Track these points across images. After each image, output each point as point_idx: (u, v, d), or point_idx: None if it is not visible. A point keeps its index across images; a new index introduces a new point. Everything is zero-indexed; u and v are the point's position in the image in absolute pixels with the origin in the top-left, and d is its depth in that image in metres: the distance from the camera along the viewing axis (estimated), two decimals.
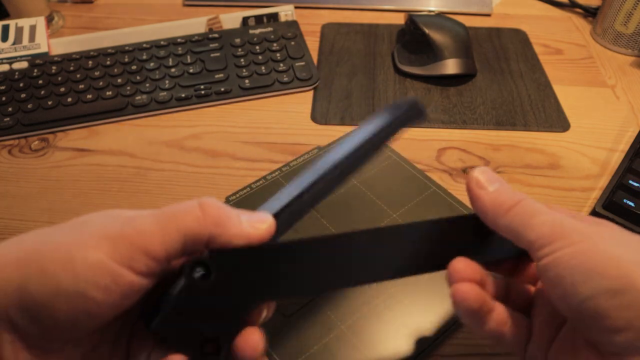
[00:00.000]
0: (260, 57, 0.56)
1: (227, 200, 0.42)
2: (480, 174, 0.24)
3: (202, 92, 0.52)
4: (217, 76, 0.54)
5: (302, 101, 0.53)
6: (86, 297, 0.19)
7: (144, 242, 0.19)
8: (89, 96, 0.51)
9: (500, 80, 0.55)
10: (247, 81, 0.53)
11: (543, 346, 0.24)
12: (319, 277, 0.23)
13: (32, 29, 0.59)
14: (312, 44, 0.60)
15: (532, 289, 0.27)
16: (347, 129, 0.49)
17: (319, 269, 0.23)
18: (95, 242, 0.19)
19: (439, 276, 0.37)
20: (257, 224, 0.22)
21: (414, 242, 0.25)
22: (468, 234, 0.25)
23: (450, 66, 0.53)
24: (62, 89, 0.52)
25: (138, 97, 0.51)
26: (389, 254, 0.24)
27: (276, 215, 0.22)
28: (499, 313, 0.24)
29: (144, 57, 0.55)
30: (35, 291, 0.19)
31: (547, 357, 0.23)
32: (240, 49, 0.57)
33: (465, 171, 0.45)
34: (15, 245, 0.20)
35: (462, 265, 0.24)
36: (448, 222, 0.25)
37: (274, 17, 0.62)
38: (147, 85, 0.53)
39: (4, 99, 0.51)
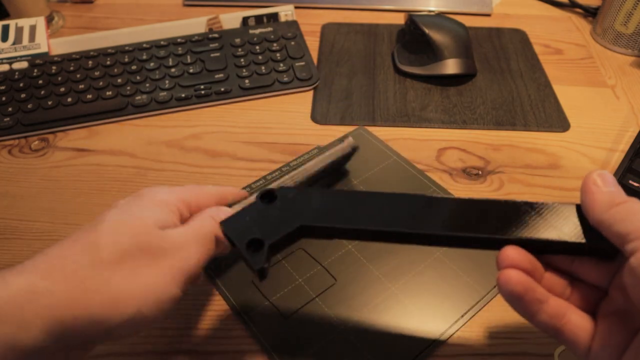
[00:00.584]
0: (260, 57, 0.56)
1: None
2: (598, 177, 0.24)
3: (202, 92, 0.52)
4: (217, 76, 0.54)
5: (302, 101, 0.53)
6: (148, 318, 0.24)
7: (193, 271, 0.26)
8: (89, 96, 0.51)
9: (500, 80, 0.55)
10: (247, 81, 0.53)
11: (613, 351, 0.23)
12: (369, 218, 0.25)
13: (32, 29, 0.59)
14: (312, 44, 0.60)
15: (597, 292, 0.26)
16: (347, 128, 0.49)
17: (371, 213, 0.26)
18: (170, 279, 0.24)
19: (439, 276, 0.37)
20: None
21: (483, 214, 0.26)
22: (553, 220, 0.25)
23: (450, 66, 0.53)
24: (62, 89, 0.52)
25: (138, 97, 0.51)
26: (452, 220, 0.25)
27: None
28: (554, 306, 0.24)
29: (144, 57, 0.55)
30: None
31: None
32: (240, 49, 0.57)
33: (465, 171, 0.45)
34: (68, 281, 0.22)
35: (512, 251, 0.24)
36: (515, 204, 0.26)
37: (274, 17, 0.62)
38: (147, 85, 0.53)
39: (4, 99, 0.51)
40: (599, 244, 0.24)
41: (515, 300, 0.24)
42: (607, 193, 0.23)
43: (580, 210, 0.25)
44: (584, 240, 0.24)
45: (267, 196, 0.27)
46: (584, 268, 0.26)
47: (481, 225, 0.25)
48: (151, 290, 0.23)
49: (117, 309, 0.22)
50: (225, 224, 0.27)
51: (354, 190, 0.26)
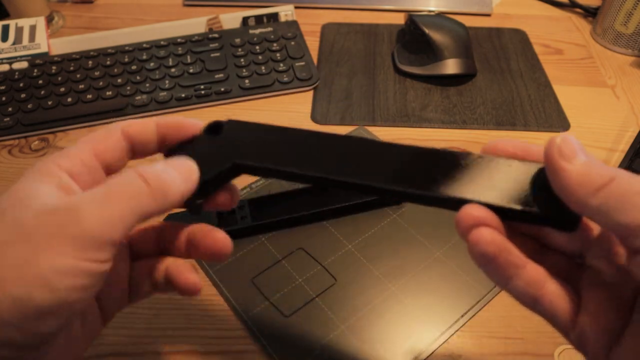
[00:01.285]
0: (260, 57, 0.56)
1: None
2: (564, 145, 0.20)
3: (202, 92, 0.52)
4: (217, 76, 0.54)
5: (302, 101, 0.53)
6: (68, 302, 0.19)
7: (106, 234, 0.19)
8: (89, 96, 0.51)
9: (500, 80, 0.55)
10: (247, 81, 0.53)
11: (607, 333, 0.20)
12: (307, 161, 0.24)
13: (32, 29, 0.59)
14: (312, 44, 0.60)
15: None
16: (348, 128, 0.49)
17: (311, 156, 0.24)
18: (57, 247, 0.18)
19: (439, 276, 0.37)
20: (189, 178, 0.23)
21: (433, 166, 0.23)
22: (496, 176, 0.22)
23: (450, 66, 0.53)
24: (62, 89, 0.52)
25: (138, 97, 0.51)
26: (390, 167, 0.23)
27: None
28: (532, 273, 0.21)
29: (144, 57, 0.55)
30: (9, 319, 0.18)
31: (612, 344, 0.20)
32: (240, 49, 0.57)
33: None
34: None
35: (478, 210, 0.21)
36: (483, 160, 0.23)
37: (274, 17, 0.62)
38: (147, 85, 0.53)
39: (4, 99, 0.51)
40: (558, 214, 0.21)
41: (488, 263, 0.20)
42: (583, 167, 0.19)
43: (543, 174, 0.21)
44: (535, 209, 0.21)
45: (214, 128, 0.26)
46: (554, 234, 0.23)
47: (419, 178, 0.22)
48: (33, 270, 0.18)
49: (44, 284, 0.18)
50: (168, 154, 0.26)
51: (305, 129, 0.25)
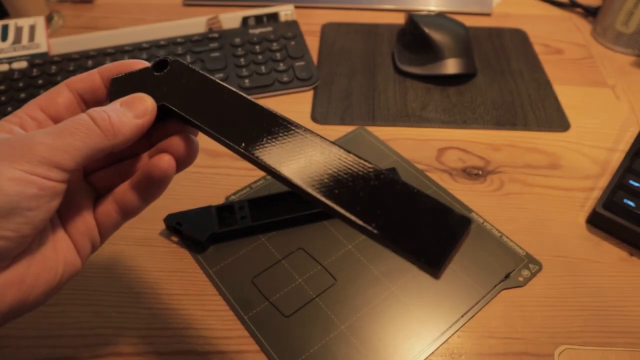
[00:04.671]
0: (260, 57, 0.56)
1: (227, 200, 0.42)
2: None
3: None
4: (216, 76, 0.54)
5: (302, 101, 0.53)
6: (20, 207, 0.20)
7: (56, 159, 0.21)
8: None
9: (500, 80, 0.55)
10: (246, 81, 0.53)
11: None
12: (215, 117, 0.25)
13: (32, 28, 0.59)
14: (312, 44, 0.60)
15: None
16: (348, 128, 0.49)
17: (228, 116, 0.25)
18: (9, 163, 0.21)
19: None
20: (140, 114, 0.25)
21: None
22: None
23: (451, 66, 0.53)
24: None
25: None
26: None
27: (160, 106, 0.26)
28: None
29: (144, 57, 0.55)
30: None
31: None
32: (240, 49, 0.57)
33: (465, 171, 0.45)
34: None
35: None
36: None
37: (274, 17, 0.62)
38: None
39: (3, 98, 0.51)
40: None
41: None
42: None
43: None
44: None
45: (159, 64, 0.27)
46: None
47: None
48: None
49: None
50: (114, 81, 0.26)
51: (230, 88, 0.26)
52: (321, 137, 0.23)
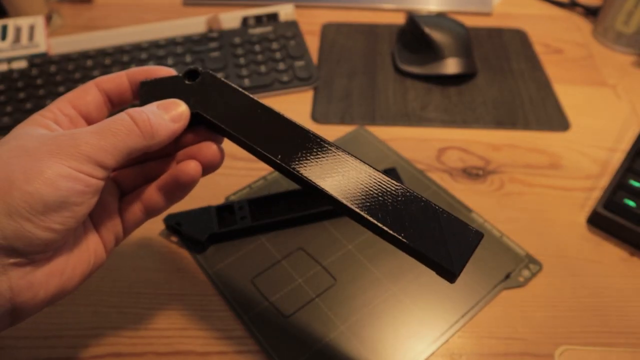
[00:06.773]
0: (259, 57, 0.56)
1: (227, 200, 0.42)
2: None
3: None
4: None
5: (302, 101, 0.53)
6: (69, 202, 0.22)
7: (100, 158, 0.23)
8: None
9: (500, 80, 0.55)
10: (246, 81, 0.53)
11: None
12: (256, 134, 0.27)
13: (31, 28, 0.59)
14: (312, 44, 0.60)
15: None
16: (348, 128, 0.49)
17: (254, 126, 0.27)
18: (58, 159, 0.22)
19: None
20: (179, 119, 0.26)
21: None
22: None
23: (451, 66, 0.53)
24: (62, 89, 0.52)
25: None
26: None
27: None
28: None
29: (143, 56, 0.55)
30: (20, 211, 0.21)
31: None
32: (239, 49, 0.57)
33: (465, 171, 0.45)
34: None
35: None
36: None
37: (273, 16, 0.62)
38: None
39: (2, 98, 0.51)
40: None
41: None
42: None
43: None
44: None
45: (190, 73, 0.28)
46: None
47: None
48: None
49: (48, 182, 0.21)
50: (144, 84, 0.27)
51: (262, 103, 0.28)
52: (351, 154, 0.25)
